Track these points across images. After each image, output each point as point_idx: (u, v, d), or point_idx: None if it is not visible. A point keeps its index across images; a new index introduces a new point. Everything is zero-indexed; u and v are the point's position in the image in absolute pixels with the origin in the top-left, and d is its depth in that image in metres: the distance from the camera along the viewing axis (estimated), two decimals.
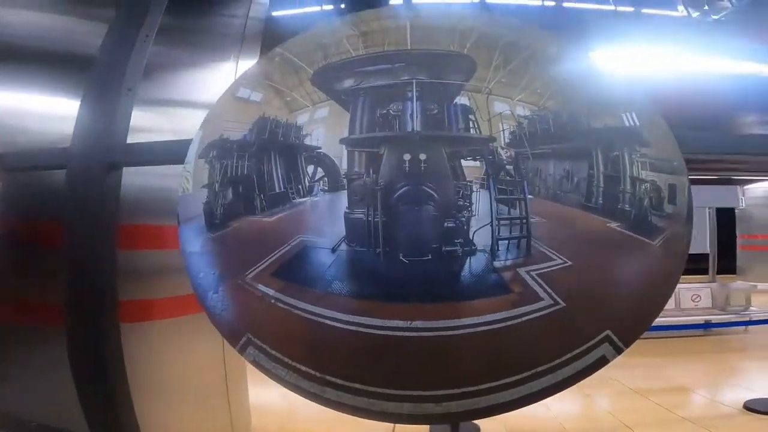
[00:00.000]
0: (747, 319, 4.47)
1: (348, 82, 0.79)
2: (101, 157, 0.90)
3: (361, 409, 0.75)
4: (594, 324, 0.63)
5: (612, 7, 5.69)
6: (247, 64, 2.26)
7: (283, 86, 0.82)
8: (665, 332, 4.33)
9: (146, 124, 1.61)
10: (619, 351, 0.63)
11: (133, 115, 1.61)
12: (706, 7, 5.62)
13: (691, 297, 4.69)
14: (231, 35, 2.21)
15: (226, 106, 0.85)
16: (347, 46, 0.82)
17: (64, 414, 1.15)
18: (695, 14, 5.92)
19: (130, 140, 1.43)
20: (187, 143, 0.92)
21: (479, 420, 2.48)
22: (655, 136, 0.65)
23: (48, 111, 1.55)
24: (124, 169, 1.01)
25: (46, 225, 1.34)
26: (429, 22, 0.81)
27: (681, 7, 5.79)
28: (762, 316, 4.33)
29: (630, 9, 5.69)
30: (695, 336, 4.45)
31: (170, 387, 1.85)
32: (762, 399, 2.67)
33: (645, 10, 5.71)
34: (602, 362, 0.64)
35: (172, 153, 0.94)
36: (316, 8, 4.63)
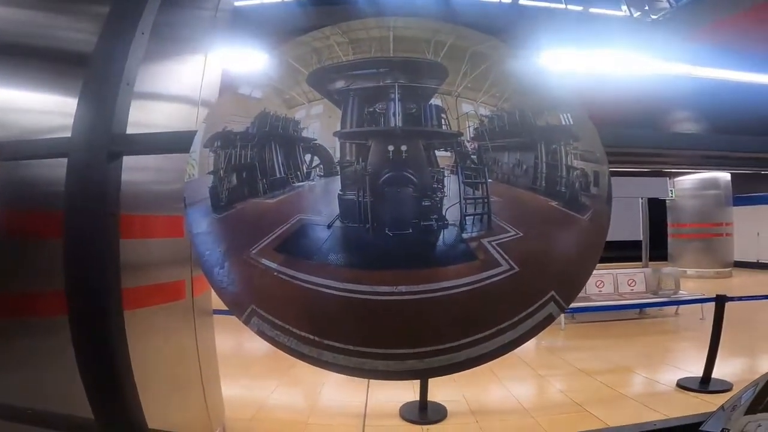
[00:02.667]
0: (676, 299, 4.99)
1: (339, 84, 0.92)
2: (102, 146, 0.97)
3: (354, 369, 0.89)
4: (541, 285, 0.80)
5: (563, 6, 6.05)
6: (217, 55, 2.30)
7: (281, 85, 0.93)
8: (607, 313, 4.77)
9: None
10: (562, 309, 0.81)
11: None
12: (647, 8, 6.08)
13: (627, 281, 5.18)
14: (201, 27, 2.25)
15: (228, 101, 0.95)
16: (338, 51, 0.95)
17: (67, 402, 1.21)
18: (636, 14, 6.32)
19: None
20: (183, 134, 1.01)
21: (446, 401, 2.68)
22: (584, 132, 0.83)
23: (36, 106, 1.56)
24: None
25: (41, 214, 1.37)
26: (409, 33, 0.95)
27: (624, 7, 6.24)
28: (689, 298, 4.86)
29: (579, 8, 6.07)
30: (632, 319, 4.93)
31: (146, 376, 1.90)
32: (693, 377, 3.02)
33: (592, 10, 6.11)
34: (549, 319, 0.82)
35: (170, 143, 1.03)
36: None
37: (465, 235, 0.82)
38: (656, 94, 5.13)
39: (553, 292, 0.81)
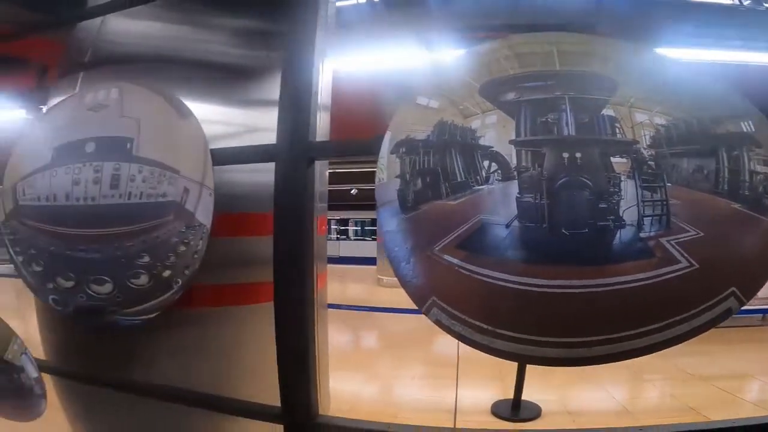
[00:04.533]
0: None
1: (510, 95, 1.02)
2: (303, 152, 1.13)
3: (523, 356, 0.99)
4: (722, 281, 0.85)
5: None
6: (330, 60, 2.47)
7: (455, 96, 1.05)
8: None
9: (247, 122, 1.86)
10: (741, 303, 0.86)
11: (232, 114, 1.86)
12: None
13: None
14: (311, 33, 2.40)
15: (408, 111, 1.08)
16: (505, 65, 1.05)
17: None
18: (746, 2, 5.78)
19: (238, 140, 1.69)
20: (368, 141, 1.16)
21: (541, 400, 2.70)
22: (764, 138, 0.87)
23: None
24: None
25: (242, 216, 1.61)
26: (572, 48, 1.03)
27: None
28: None
29: None
30: (755, 326, 4.53)
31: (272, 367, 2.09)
32: None
33: None
34: (728, 313, 0.86)
35: (357, 149, 1.19)
36: None
37: (642, 234, 0.89)
38: None
39: (733, 288, 0.86)
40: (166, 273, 1.26)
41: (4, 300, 5.02)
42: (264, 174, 1.69)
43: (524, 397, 2.69)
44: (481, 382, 3.05)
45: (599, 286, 0.92)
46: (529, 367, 2.50)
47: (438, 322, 1.03)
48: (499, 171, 0.98)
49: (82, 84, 1.90)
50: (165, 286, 1.26)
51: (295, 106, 1.18)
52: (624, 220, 0.90)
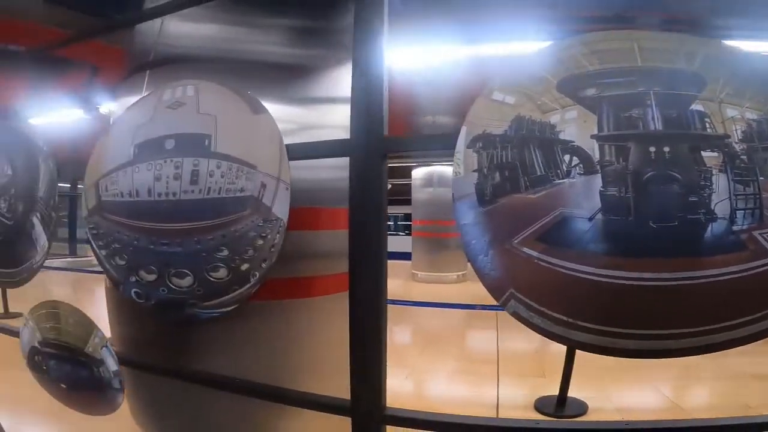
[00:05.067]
0: None
1: (590, 91, 1.03)
2: (378, 147, 1.17)
3: (603, 348, 0.99)
4: None
5: None
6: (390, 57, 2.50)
7: (532, 92, 1.06)
8: None
9: (303, 120, 1.91)
10: None
11: (291, 112, 1.90)
12: None
13: None
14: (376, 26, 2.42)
15: (484, 106, 1.10)
16: (583, 61, 1.06)
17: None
18: None
19: (295, 137, 1.73)
20: (442, 136, 1.19)
21: (587, 397, 2.68)
22: None
23: None
24: None
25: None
26: (653, 44, 1.03)
27: None
28: None
29: None
30: None
31: (329, 360, 2.14)
32: None
33: None
34: None
35: (431, 143, 1.22)
36: None
37: (735, 228, 0.89)
38: None
39: None
40: (244, 266, 1.32)
41: (61, 292, 5.29)
42: (314, 170, 1.75)
43: (570, 394, 2.68)
44: (522, 378, 3.05)
45: (690, 278, 0.92)
46: (576, 365, 2.50)
47: (515, 314, 1.05)
48: (581, 165, 1.00)
49: (149, 85, 2.00)
50: (243, 279, 1.33)
51: (369, 101, 1.21)
52: (716, 214, 0.90)
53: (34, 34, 3.57)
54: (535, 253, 1.01)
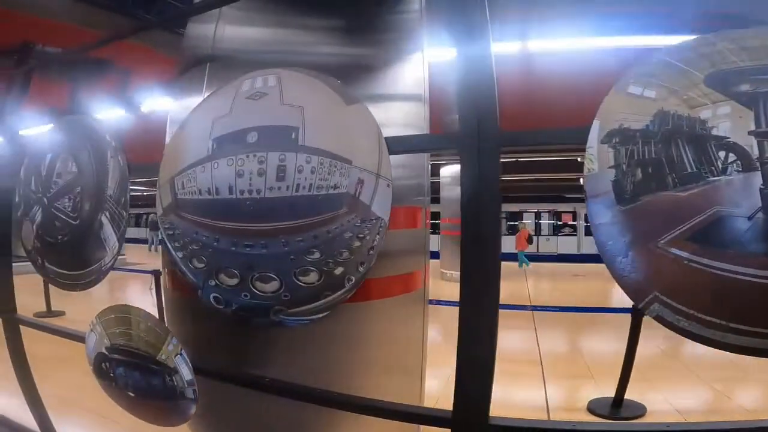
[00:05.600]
0: None
1: (745, 87, 0.95)
2: (493, 141, 1.09)
3: (760, 350, 0.92)
4: None
5: None
6: (434, 54, 2.43)
7: (676, 87, 0.99)
8: None
9: None
10: None
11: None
12: None
13: None
14: (408, 28, 2.38)
15: (618, 100, 1.03)
16: (731, 57, 0.97)
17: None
18: None
19: None
20: (562, 131, 1.11)
21: (644, 399, 2.61)
22: None
23: None
24: None
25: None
26: None
27: None
28: None
29: None
30: None
31: (385, 362, 2.08)
32: None
33: None
34: None
35: (550, 138, 1.15)
36: None
37: None
38: None
39: None
40: (338, 270, 1.24)
41: (98, 293, 5.21)
42: None
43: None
44: (568, 379, 2.98)
45: None
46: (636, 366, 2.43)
47: (659, 318, 0.97)
48: (739, 162, 0.92)
49: (208, 85, 1.94)
50: (336, 284, 1.24)
51: (478, 94, 1.13)
52: None
53: (66, 35, 3.52)
54: (685, 254, 0.94)
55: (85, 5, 3.66)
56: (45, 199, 1.69)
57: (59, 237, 1.64)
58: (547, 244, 18.59)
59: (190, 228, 1.40)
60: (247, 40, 2.09)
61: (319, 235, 1.25)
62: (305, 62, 2.04)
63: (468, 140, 1.13)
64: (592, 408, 2.62)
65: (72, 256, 1.63)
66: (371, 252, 1.21)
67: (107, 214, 1.55)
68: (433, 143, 1.29)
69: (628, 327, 2.59)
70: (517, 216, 18.31)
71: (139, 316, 1.55)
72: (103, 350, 1.63)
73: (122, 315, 1.59)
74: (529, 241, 12.79)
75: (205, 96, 1.89)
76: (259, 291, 1.32)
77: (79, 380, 2.13)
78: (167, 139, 2.22)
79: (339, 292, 1.25)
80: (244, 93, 1.39)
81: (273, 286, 1.30)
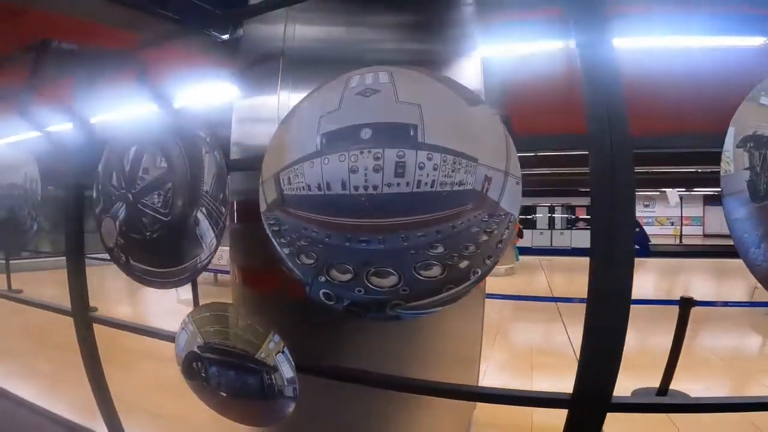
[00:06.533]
0: None
1: None
2: (625, 145, 1.15)
3: None
4: None
5: None
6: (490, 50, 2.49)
7: None
8: None
9: None
10: None
11: None
12: None
13: None
14: (470, 25, 2.42)
15: (751, 110, 1.10)
16: None
17: None
18: None
19: None
20: (687, 137, 1.18)
21: (688, 389, 2.70)
22: None
23: None
24: None
25: None
26: None
27: None
28: None
29: None
30: None
31: (444, 353, 2.13)
32: None
33: None
34: None
35: (682, 143, 1.21)
36: None
37: None
38: None
39: None
40: (463, 264, 1.27)
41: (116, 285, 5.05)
42: None
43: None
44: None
45: None
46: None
47: None
48: None
49: (282, 83, 1.95)
50: (461, 277, 1.27)
51: (608, 98, 1.19)
52: None
53: (85, 32, 3.43)
54: None
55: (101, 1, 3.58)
56: (130, 195, 1.66)
57: (147, 234, 1.62)
58: (561, 238, 19.03)
59: (299, 224, 1.41)
60: (316, 38, 2.11)
61: (443, 230, 1.28)
62: (374, 59, 2.09)
63: (597, 144, 1.18)
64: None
65: (163, 253, 1.61)
66: (499, 246, 1.25)
67: (203, 210, 1.54)
68: (561, 144, 1.34)
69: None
70: (531, 210, 18.64)
71: (237, 313, 1.56)
72: (195, 349, 1.62)
73: (218, 313, 1.58)
74: (519, 234, 13.10)
75: (279, 93, 1.90)
76: (375, 286, 1.33)
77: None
78: (232, 135, 2.21)
79: (463, 285, 1.28)
80: (354, 89, 1.40)
81: (391, 280, 1.32)
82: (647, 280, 9.22)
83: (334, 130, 1.38)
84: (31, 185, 2.12)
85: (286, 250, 1.44)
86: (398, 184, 1.30)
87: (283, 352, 1.50)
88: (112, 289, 6.36)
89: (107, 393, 2.07)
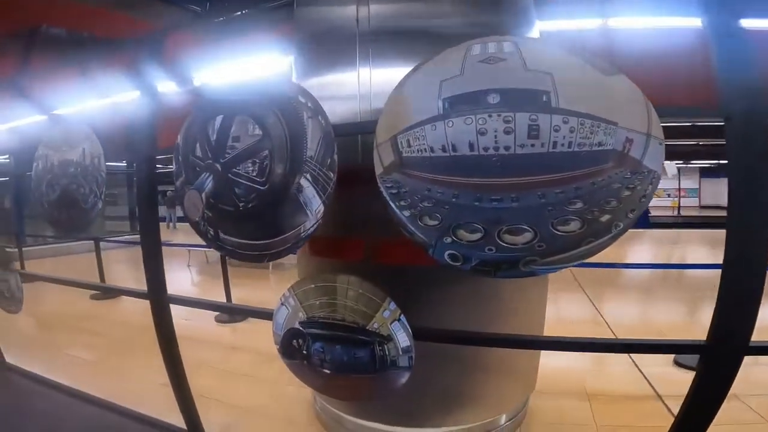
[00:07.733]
0: None
1: None
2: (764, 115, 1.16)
3: None
4: None
5: None
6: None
7: None
8: None
9: None
10: None
11: None
12: None
13: None
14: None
15: None
16: None
17: None
18: None
19: None
20: None
21: None
22: None
23: None
24: None
25: None
26: None
27: None
28: None
29: None
30: None
31: (508, 324, 2.14)
32: None
33: None
34: None
35: None
36: None
37: None
38: None
39: None
40: (605, 217, 1.26)
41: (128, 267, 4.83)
42: None
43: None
44: (639, 336, 3.15)
45: None
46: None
47: None
48: None
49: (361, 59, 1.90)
50: (601, 231, 1.26)
51: (742, 66, 1.19)
52: None
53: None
54: None
55: None
56: (218, 165, 1.56)
57: (241, 204, 1.53)
58: None
59: (421, 185, 1.37)
60: (387, 15, 2.06)
61: (582, 187, 1.26)
62: (444, 32, 2.06)
63: (735, 114, 1.18)
64: (680, 360, 2.81)
65: (259, 224, 1.52)
66: (643, 200, 1.24)
67: (308, 176, 1.46)
68: (695, 113, 1.33)
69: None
70: None
71: (347, 283, 1.50)
72: (297, 325, 1.55)
73: (324, 284, 1.52)
74: None
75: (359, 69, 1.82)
76: (507, 243, 1.31)
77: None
78: None
79: (604, 238, 1.27)
80: (476, 57, 1.37)
81: (525, 237, 1.30)
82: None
83: (458, 95, 1.36)
84: (92, 161, 1.96)
85: (407, 213, 1.40)
86: (533, 145, 1.28)
87: (399, 320, 1.46)
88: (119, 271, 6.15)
89: (184, 379, 1.98)
